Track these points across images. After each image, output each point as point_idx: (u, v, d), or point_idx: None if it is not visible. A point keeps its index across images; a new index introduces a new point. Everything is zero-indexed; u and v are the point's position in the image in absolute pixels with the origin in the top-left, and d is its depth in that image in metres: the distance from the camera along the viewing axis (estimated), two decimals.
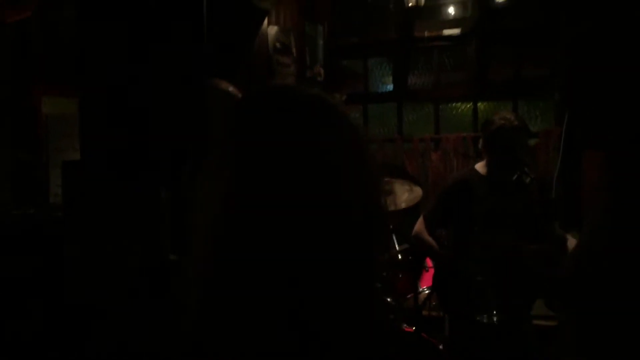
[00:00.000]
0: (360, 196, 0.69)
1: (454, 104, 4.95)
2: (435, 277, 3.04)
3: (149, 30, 1.93)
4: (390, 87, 5.05)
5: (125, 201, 1.79)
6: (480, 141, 2.86)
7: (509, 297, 2.63)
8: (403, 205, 3.49)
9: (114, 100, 1.91)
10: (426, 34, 4.80)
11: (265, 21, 3.92)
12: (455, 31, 4.77)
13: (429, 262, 3.49)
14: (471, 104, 4.77)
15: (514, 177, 2.51)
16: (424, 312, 3.43)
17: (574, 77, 1.17)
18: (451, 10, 4.94)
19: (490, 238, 2.70)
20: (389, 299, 3.14)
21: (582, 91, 1.15)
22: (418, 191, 3.49)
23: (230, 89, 1.86)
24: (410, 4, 4.54)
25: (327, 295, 0.66)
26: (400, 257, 3.41)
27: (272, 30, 3.97)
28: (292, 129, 0.69)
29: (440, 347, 2.98)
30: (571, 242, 2.34)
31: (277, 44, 4.02)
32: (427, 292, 3.35)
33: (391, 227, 3.36)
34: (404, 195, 3.52)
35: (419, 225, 2.99)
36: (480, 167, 2.88)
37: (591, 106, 1.13)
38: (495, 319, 2.59)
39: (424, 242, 2.96)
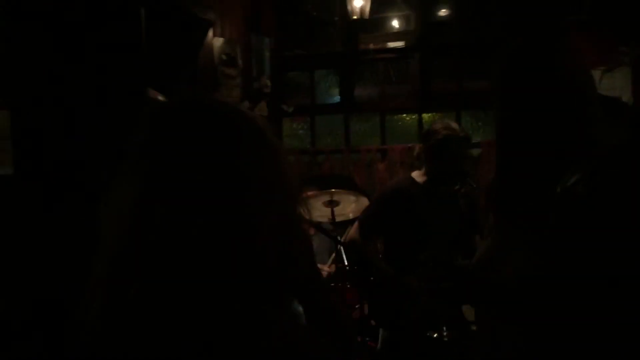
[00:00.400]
0: (274, 209, 0.70)
1: (399, 116, 5.03)
2: (370, 289, 2.94)
3: (84, 41, 1.88)
4: (337, 98, 5.09)
5: (51, 219, 1.72)
6: (420, 150, 2.80)
7: (458, 312, 2.59)
8: (351, 216, 3.51)
9: (46, 113, 1.85)
10: (371, 46, 4.87)
11: (211, 33, 3.88)
12: (399, 44, 4.85)
13: None
14: (416, 115, 4.84)
15: (456, 187, 2.50)
16: (372, 322, 3.44)
17: (504, 90, 1.19)
18: (395, 23, 5.04)
19: (431, 250, 2.66)
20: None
21: (513, 104, 1.17)
22: (365, 202, 3.51)
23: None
24: (354, 17, 4.59)
25: (230, 309, 0.65)
26: (347, 268, 3.41)
27: (217, 42, 3.94)
28: (205, 141, 0.69)
29: None
30: None
31: (223, 56, 3.99)
32: None
33: (339, 238, 3.37)
34: (351, 206, 3.54)
35: (353, 231, 2.89)
36: (417, 176, 2.80)
37: (519, 120, 1.16)
38: (445, 334, 2.50)
39: (358, 249, 2.87)
